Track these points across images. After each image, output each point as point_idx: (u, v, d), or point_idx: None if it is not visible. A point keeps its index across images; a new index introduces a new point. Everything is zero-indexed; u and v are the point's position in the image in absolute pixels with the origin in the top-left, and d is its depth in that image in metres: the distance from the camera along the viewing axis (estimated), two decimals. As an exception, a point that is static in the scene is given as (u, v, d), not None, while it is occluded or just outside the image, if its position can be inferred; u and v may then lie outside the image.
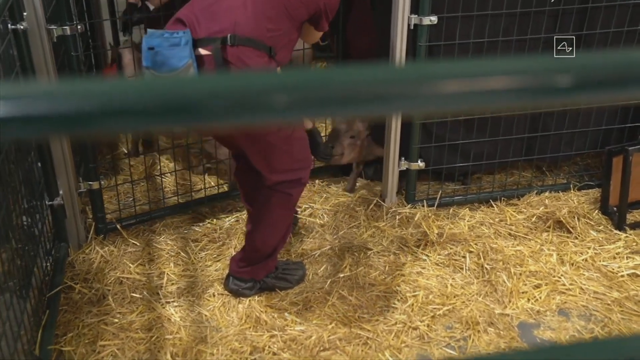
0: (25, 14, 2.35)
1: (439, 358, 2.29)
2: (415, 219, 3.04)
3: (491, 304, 2.55)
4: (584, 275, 2.71)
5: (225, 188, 3.21)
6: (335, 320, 2.45)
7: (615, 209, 3.05)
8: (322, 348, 2.33)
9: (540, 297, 2.58)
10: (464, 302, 2.55)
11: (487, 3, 2.85)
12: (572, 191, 3.26)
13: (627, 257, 2.81)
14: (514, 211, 3.13)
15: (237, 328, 2.42)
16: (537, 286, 2.64)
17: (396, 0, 2.79)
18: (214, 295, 2.59)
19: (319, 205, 3.21)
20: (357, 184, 3.39)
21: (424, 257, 2.81)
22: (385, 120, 3.07)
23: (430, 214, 3.07)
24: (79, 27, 2.50)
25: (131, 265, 2.73)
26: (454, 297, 2.58)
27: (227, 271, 2.62)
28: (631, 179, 3.00)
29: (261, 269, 2.54)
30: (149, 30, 2.12)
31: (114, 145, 3.70)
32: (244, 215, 3.01)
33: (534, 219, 3.06)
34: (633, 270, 2.72)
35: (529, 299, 2.57)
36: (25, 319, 2.11)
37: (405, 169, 3.12)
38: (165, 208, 3.11)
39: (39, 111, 0.55)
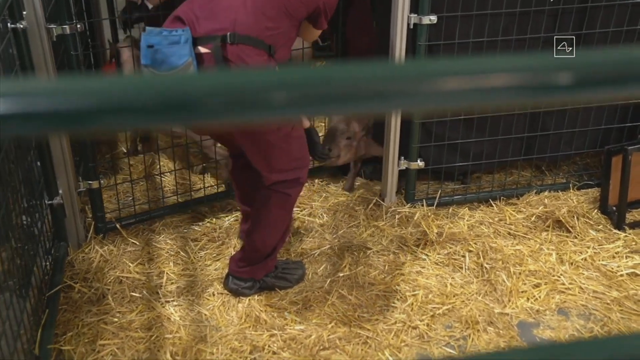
0: (24, 13, 2.35)
1: (438, 357, 2.29)
2: (415, 218, 3.04)
3: (491, 303, 2.55)
4: (584, 274, 2.71)
5: (224, 187, 3.21)
6: (335, 320, 2.45)
7: (614, 208, 3.05)
8: (321, 347, 2.33)
9: (539, 297, 2.58)
10: (463, 301, 2.56)
11: (487, 2, 2.85)
12: (571, 190, 3.26)
13: (626, 257, 2.81)
14: (514, 210, 3.13)
15: (237, 327, 2.42)
16: (537, 285, 2.64)
17: (396, 0, 2.79)
18: (213, 295, 2.59)
19: (318, 204, 3.21)
20: (356, 183, 3.39)
21: (424, 257, 2.81)
22: (385, 120, 3.07)
23: (429, 214, 3.07)
24: (78, 26, 2.50)
25: (131, 265, 2.73)
26: (454, 296, 2.58)
27: (226, 270, 2.62)
28: (630, 179, 3.00)
29: (260, 269, 2.54)
30: (147, 28, 2.11)
31: (113, 145, 3.70)
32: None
33: (533, 219, 3.06)
34: (632, 270, 2.72)
35: (528, 298, 2.57)
36: (25, 318, 2.11)
37: (404, 168, 3.12)
38: (165, 207, 3.11)
39: (39, 108, 0.55)
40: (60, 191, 2.69)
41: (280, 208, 2.42)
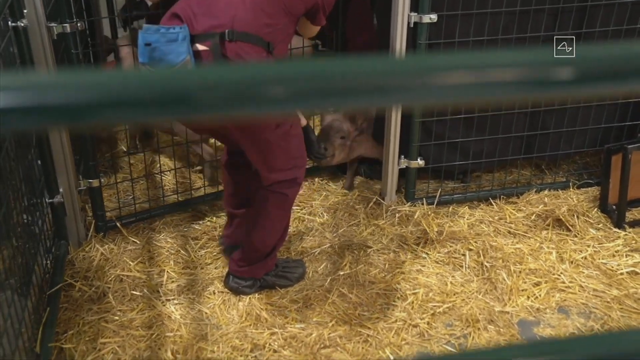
0: (25, 11, 2.35)
1: (439, 355, 2.29)
2: (415, 217, 3.04)
3: (491, 301, 2.56)
4: (584, 273, 2.72)
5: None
6: (335, 318, 2.45)
7: (614, 207, 3.05)
8: (322, 345, 2.33)
9: (540, 295, 2.58)
10: (463, 299, 2.56)
11: (487, 1, 2.86)
12: (571, 189, 3.27)
13: (626, 255, 2.81)
14: (514, 209, 3.13)
15: (238, 326, 2.42)
16: (537, 284, 2.65)
17: (396, -2, 2.79)
18: (214, 293, 2.59)
19: (318, 203, 3.21)
20: (356, 182, 3.39)
21: (424, 255, 2.82)
22: (385, 118, 3.08)
23: (429, 212, 3.08)
24: (79, 24, 2.50)
25: (131, 263, 2.73)
26: (454, 294, 2.59)
27: (227, 269, 2.62)
28: (630, 177, 3.00)
29: (260, 268, 2.54)
30: (144, 25, 2.09)
31: (113, 143, 3.70)
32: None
33: (533, 217, 3.06)
34: (632, 268, 2.73)
35: (528, 297, 2.57)
36: (26, 317, 2.11)
37: (405, 167, 3.12)
38: (165, 206, 3.11)
39: (38, 102, 0.55)
40: (61, 189, 2.69)
41: (278, 208, 2.42)
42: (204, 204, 3.14)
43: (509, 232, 2.98)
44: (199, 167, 3.42)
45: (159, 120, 0.95)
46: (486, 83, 0.61)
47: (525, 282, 2.65)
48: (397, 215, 3.07)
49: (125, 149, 3.58)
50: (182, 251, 2.83)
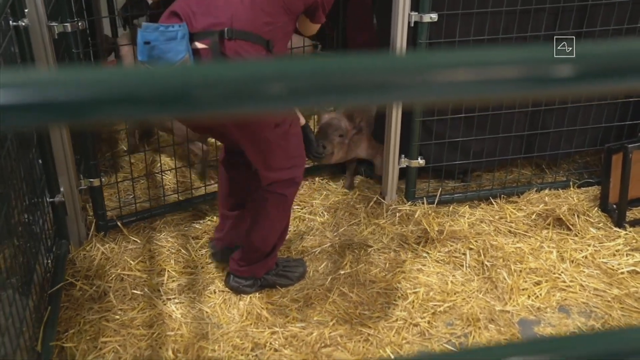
0: (26, 10, 2.35)
1: (439, 352, 2.29)
2: (416, 216, 3.04)
3: (492, 300, 2.56)
4: (584, 272, 2.72)
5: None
6: (336, 317, 2.46)
7: (614, 206, 3.05)
8: (323, 344, 2.34)
9: (540, 294, 2.58)
10: (464, 299, 2.56)
11: (488, 1, 2.86)
12: (571, 189, 3.27)
13: (627, 254, 2.82)
14: (514, 208, 3.13)
15: (238, 325, 2.42)
16: (538, 283, 2.65)
17: (397, -2, 2.79)
18: (214, 292, 2.59)
19: (319, 202, 3.21)
20: (356, 181, 3.39)
21: (424, 254, 2.82)
22: (385, 118, 3.08)
23: (430, 212, 3.08)
24: (79, 24, 2.50)
25: (132, 262, 2.73)
26: (455, 294, 2.59)
27: (227, 268, 2.62)
28: (631, 177, 3.01)
29: (261, 268, 2.55)
30: (143, 23, 2.08)
31: (113, 143, 3.70)
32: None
33: (533, 217, 3.06)
34: (633, 267, 2.73)
35: (529, 296, 2.58)
36: (27, 316, 2.11)
37: (405, 166, 3.13)
38: (166, 205, 3.12)
39: (37, 99, 0.55)
40: (62, 189, 2.69)
41: (277, 209, 2.42)
42: (205, 203, 3.14)
43: (510, 231, 2.98)
44: (199, 166, 3.43)
45: (158, 117, 0.95)
46: (486, 80, 0.61)
47: (525, 282, 2.65)
48: (397, 214, 3.07)
49: (125, 149, 3.58)
50: (182, 250, 2.84)
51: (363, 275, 2.69)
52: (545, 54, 0.61)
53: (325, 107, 3.64)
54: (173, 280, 2.65)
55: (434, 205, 3.14)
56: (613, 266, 2.74)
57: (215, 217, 3.07)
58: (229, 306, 2.52)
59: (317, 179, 3.40)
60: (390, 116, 3.03)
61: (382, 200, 3.18)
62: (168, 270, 2.70)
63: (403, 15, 2.80)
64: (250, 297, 2.55)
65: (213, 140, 3.32)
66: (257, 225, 2.46)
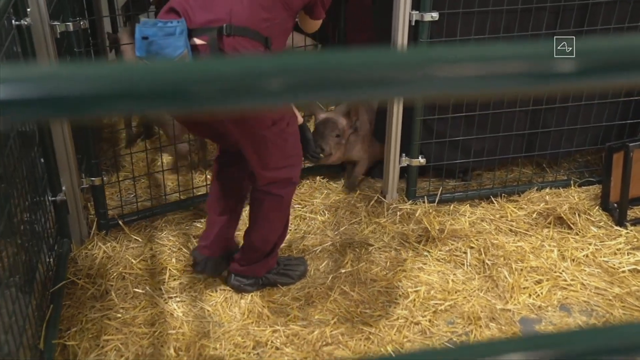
0: (29, 10, 2.35)
1: (439, 348, 2.30)
2: (416, 215, 3.05)
3: (493, 299, 2.56)
4: (585, 271, 2.72)
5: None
6: (337, 316, 2.46)
7: (615, 205, 3.06)
8: (324, 343, 2.34)
9: (541, 293, 2.59)
10: (465, 297, 2.57)
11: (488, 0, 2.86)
12: (572, 187, 3.27)
13: (628, 253, 2.82)
14: (515, 207, 3.14)
15: (240, 323, 2.43)
16: (539, 282, 2.65)
17: (398, -3, 2.80)
18: (216, 291, 2.59)
19: (319, 201, 3.22)
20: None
21: (425, 253, 2.82)
22: (386, 118, 3.08)
23: (431, 210, 3.08)
24: (81, 23, 2.50)
25: (133, 261, 2.74)
26: (456, 292, 2.59)
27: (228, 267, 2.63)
28: (632, 175, 3.01)
29: (261, 267, 2.55)
30: (142, 19, 2.08)
31: (114, 142, 3.71)
32: (245, 211, 3.01)
33: (534, 215, 3.07)
34: (634, 266, 2.73)
35: (530, 295, 2.58)
36: (29, 314, 2.12)
37: (406, 165, 3.13)
38: (167, 204, 3.12)
39: (36, 94, 0.55)
40: (64, 188, 2.70)
41: (275, 210, 2.41)
42: (206, 202, 3.14)
43: (511, 230, 2.98)
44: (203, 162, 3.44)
45: (157, 112, 0.95)
46: (488, 75, 0.61)
47: (526, 280, 2.65)
48: (398, 213, 3.07)
49: (126, 147, 3.59)
50: (184, 249, 2.84)
51: (364, 273, 2.69)
52: (547, 49, 0.61)
53: (324, 103, 3.64)
54: (174, 279, 2.66)
55: (435, 204, 3.14)
56: (614, 265, 2.75)
57: (216, 216, 3.08)
58: (231, 305, 2.52)
59: (317, 177, 3.40)
60: (391, 115, 3.04)
61: (383, 199, 3.18)
62: (169, 269, 2.70)
63: (404, 14, 2.81)
64: (252, 295, 2.56)
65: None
66: (257, 226, 2.46)
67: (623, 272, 2.71)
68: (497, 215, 3.09)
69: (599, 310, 2.52)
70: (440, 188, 3.21)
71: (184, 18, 2.06)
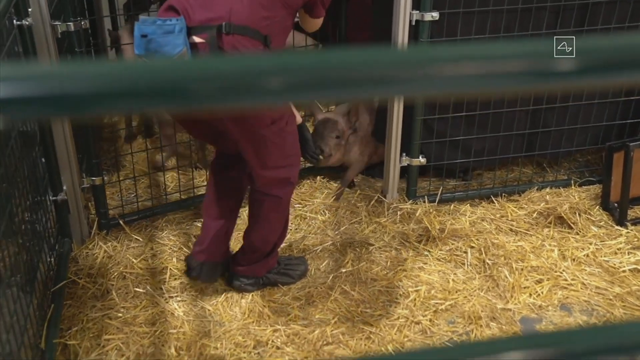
0: (30, 10, 2.36)
1: (438, 347, 2.30)
2: (417, 214, 3.05)
3: (493, 299, 2.56)
4: (586, 270, 2.72)
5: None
6: (337, 315, 2.46)
7: (616, 204, 3.06)
8: (325, 342, 2.34)
9: (542, 292, 2.59)
10: (466, 297, 2.57)
11: (489, -1, 2.87)
12: (573, 187, 3.28)
13: (628, 253, 2.82)
14: (515, 207, 3.14)
15: (241, 322, 2.43)
16: (539, 281, 2.65)
17: (398, -3, 2.80)
18: (216, 290, 2.60)
19: (320, 201, 3.22)
20: (357, 180, 3.40)
21: (426, 253, 2.82)
22: (386, 117, 3.09)
23: (431, 210, 3.09)
24: (82, 23, 2.51)
25: (134, 261, 2.74)
26: (456, 292, 2.60)
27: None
28: (632, 175, 3.01)
29: (262, 267, 2.55)
30: (141, 17, 2.07)
31: (114, 141, 3.71)
32: (245, 211, 3.01)
33: (535, 215, 3.07)
34: (635, 266, 2.73)
35: (530, 294, 2.58)
36: (31, 313, 2.12)
37: (406, 164, 3.13)
38: (168, 204, 3.13)
39: (35, 92, 0.56)
40: (65, 187, 2.71)
41: (274, 210, 2.41)
42: (202, 206, 3.14)
43: (511, 229, 2.99)
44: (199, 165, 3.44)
45: (157, 110, 0.95)
46: (488, 74, 0.61)
47: (527, 280, 2.65)
48: (398, 213, 3.08)
49: (125, 141, 3.60)
50: (184, 249, 2.85)
51: (364, 273, 2.69)
52: (547, 49, 0.61)
53: (325, 103, 3.64)
54: (175, 279, 2.66)
55: (435, 203, 3.14)
56: (615, 264, 2.75)
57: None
58: (231, 304, 2.53)
59: (318, 177, 3.41)
60: (391, 114, 3.04)
61: (384, 198, 3.18)
62: (170, 269, 2.71)
63: (404, 14, 2.81)
64: (252, 295, 2.56)
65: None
66: (256, 226, 2.46)
67: (623, 271, 2.71)
68: (498, 215, 3.09)
69: (599, 310, 2.52)
70: (441, 188, 3.21)
71: (183, 16, 2.06)
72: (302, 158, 2.73)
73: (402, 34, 2.84)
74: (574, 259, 2.78)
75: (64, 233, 2.78)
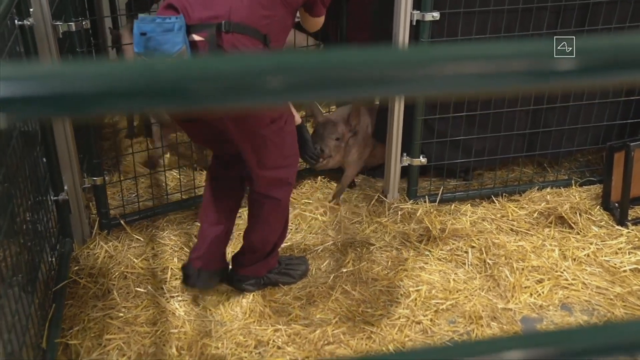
0: (31, 10, 2.36)
1: (439, 345, 2.30)
2: (418, 214, 3.05)
3: (494, 298, 2.57)
4: (586, 270, 2.72)
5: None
6: (338, 315, 2.47)
7: (616, 204, 3.06)
8: (326, 342, 2.35)
9: (542, 292, 2.59)
10: (466, 296, 2.57)
11: (490, -1, 2.87)
12: (573, 187, 3.28)
13: (629, 253, 2.82)
14: (516, 207, 3.14)
15: (242, 322, 2.43)
16: (540, 281, 2.65)
17: (399, -3, 2.80)
18: (217, 290, 2.60)
19: (321, 200, 3.22)
20: (358, 180, 3.40)
21: (427, 253, 2.83)
22: (387, 118, 3.09)
23: (432, 210, 3.09)
24: (84, 23, 2.51)
25: (135, 260, 2.74)
26: (457, 291, 2.60)
27: (230, 266, 2.63)
28: (633, 175, 3.01)
29: (262, 267, 2.55)
30: (140, 15, 2.06)
31: (115, 141, 3.71)
32: (245, 210, 3.01)
33: (535, 215, 3.07)
34: (635, 266, 2.74)
35: (531, 294, 2.58)
36: (32, 313, 2.13)
37: (407, 164, 3.14)
38: (169, 204, 3.13)
39: (35, 92, 0.56)
40: (66, 187, 2.71)
41: (273, 212, 2.41)
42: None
43: (512, 229, 2.99)
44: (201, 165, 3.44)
45: (157, 110, 0.95)
46: (488, 74, 0.62)
47: (528, 280, 2.66)
48: (399, 212, 3.08)
49: (126, 136, 3.61)
50: (185, 248, 2.85)
51: (365, 273, 2.70)
52: (547, 48, 0.61)
53: (325, 103, 3.64)
54: (176, 278, 2.66)
55: (436, 203, 3.15)
56: (615, 264, 2.75)
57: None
58: (232, 304, 2.53)
59: (319, 177, 3.41)
60: (392, 114, 3.04)
61: (384, 198, 3.19)
62: (171, 268, 2.71)
63: (405, 14, 2.81)
64: (253, 295, 2.56)
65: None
66: (256, 227, 2.45)
67: (624, 271, 2.71)
68: (498, 215, 3.09)
69: (600, 310, 2.52)
70: (442, 187, 3.21)
71: (182, 14, 2.05)
72: (301, 159, 2.72)
73: (402, 34, 2.84)
74: (574, 259, 2.78)
75: (65, 233, 2.79)
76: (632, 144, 2.98)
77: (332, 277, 2.67)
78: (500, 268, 2.71)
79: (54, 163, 2.65)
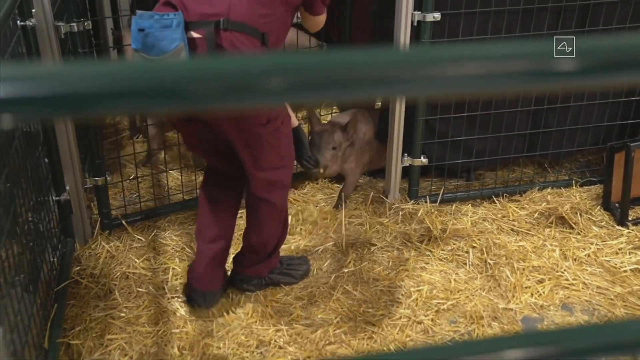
0: (34, 10, 2.37)
1: (439, 344, 2.30)
2: (419, 214, 3.06)
3: (495, 298, 2.57)
4: (587, 270, 2.73)
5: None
6: (340, 315, 2.47)
7: (617, 205, 3.06)
8: (327, 342, 2.35)
9: (543, 292, 2.59)
10: (467, 296, 2.57)
11: (490, 0, 2.87)
12: (574, 187, 3.28)
13: (629, 253, 2.82)
14: (517, 207, 3.15)
15: (243, 322, 2.44)
16: (541, 281, 2.66)
17: (400, -3, 2.81)
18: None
19: (322, 201, 3.22)
20: (360, 180, 3.40)
21: (428, 253, 2.83)
22: (388, 118, 3.09)
23: (433, 210, 3.09)
24: (86, 24, 2.52)
25: (137, 260, 2.75)
26: (458, 291, 2.60)
27: (231, 267, 2.63)
28: (633, 175, 3.01)
29: (264, 267, 2.56)
30: (138, 11, 2.04)
31: (117, 141, 3.72)
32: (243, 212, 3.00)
33: (536, 215, 3.08)
34: (636, 266, 2.74)
35: (532, 294, 2.59)
36: (34, 313, 2.13)
37: (408, 165, 3.14)
38: (170, 204, 3.13)
39: (35, 92, 0.56)
40: (67, 187, 2.72)
41: (270, 215, 2.41)
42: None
43: (512, 229, 2.99)
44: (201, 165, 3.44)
45: (157, 111, 0.95)
46: (489, 74, 0.62)
47: (528, 280, 2.66)
48: (400, 213, 3.08)
49: (129, 137, 3.61)
50: (187, 248, 2.85)
51: (367, 273, 2.70)
52: (547, 49, 0.62)
53: (325, 105, 3.64)
54: (177, 278, 2.67)
55: (437, 203, 3.15)
56: (616, 264, 2.75)
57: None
58: (234, 304, 2.53)
59: (320, 178, 3.41)
60: (393, 115, 3.05)
61: (385, 199, 3.19)
62: (173, 268, 2.71)
63: (406, 15, 2.81)
64: (255, 295, 2.57)
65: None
66: (255, 229, 2.45)
67: (625, 271, 2.71)
68: (499, 215, 3.10)
69: (600, 310, 2.52)
70: (442, 188, 3.21)
71: (180, 11, 2.04)
72: (297, 163, 2.72)
73: (403, 34, 2.84)
74: (575, 259, 2.78)
75: (66, 233, 2.79)
76: (632, 144, 2.98)
77: (333, 277, 2.67)
78: (501, 268, 2.72)
79: (56, 163, 2.66)
